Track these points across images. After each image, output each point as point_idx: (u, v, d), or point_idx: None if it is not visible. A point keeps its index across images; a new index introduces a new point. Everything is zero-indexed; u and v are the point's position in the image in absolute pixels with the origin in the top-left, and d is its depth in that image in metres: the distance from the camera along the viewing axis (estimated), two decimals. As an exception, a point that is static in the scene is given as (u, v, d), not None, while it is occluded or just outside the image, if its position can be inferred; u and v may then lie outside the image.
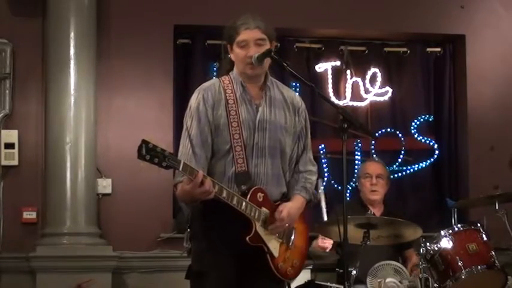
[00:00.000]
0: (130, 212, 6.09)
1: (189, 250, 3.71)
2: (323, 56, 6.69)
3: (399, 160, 6.70)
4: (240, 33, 3.61)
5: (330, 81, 6.64)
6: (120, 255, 5.90)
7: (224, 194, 3.44)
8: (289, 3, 6.44)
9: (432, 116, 6.83)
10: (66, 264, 5.71)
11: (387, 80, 6.78)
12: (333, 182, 6.50)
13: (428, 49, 6.88)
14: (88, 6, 5.99)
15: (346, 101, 6.65)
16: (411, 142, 6.74)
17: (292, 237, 3.70)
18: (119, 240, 5.98)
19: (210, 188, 3.38)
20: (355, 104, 6.69)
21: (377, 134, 6.57)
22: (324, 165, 6.53)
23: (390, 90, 6.75)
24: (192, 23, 6.39)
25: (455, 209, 5.66)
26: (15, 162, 6.02)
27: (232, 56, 3.69)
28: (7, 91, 6.08)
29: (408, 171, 6.74)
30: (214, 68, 6.26)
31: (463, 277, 4.51)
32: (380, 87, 6.73)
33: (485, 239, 4.65)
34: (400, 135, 6.73)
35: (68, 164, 5.81)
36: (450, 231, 4.66)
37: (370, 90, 6.71)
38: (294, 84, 6.39)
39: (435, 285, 4.64)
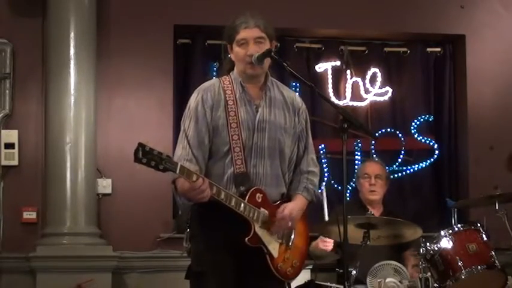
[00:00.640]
0: (130, 212, 6.09)
1: (188, 250, 3.71)
2: (323, 56, 6.69)
3: (399, 160, 6.70)
4: (239, 32, 3.61)
5: (330, 81, 6.64)
6: (120, 255, 5.90)
7: (222, 196, 3.44)
8: (289, 3, 6.44)
9: (432, 116, 6.83)
10: (66, 264, 5.71)
11: (387, 80, 6.78)
12: (333, 182, 6.49)
13: (428, 49, 6.87)
14: (88, 6, 5.99)
15: (346, 101, 6.65)
16: (411, 142, 6.75)
17: (292, 237, 3.70)
18: (119, 240, 5.99)
19: (207, 194, 3.38)
20: (355, 104, 6.69)
21: (377, 134, 6.57)
22: (324, 165, 6.53)
23: (390, 90, 6.75)
24: (192, 23, 6.39)
25: (455, 209, 5.66)
26: (15, 162, 6.02)
27: (232, 55, 3.69)
28: (7, 91, 6.08)
29: (408, 171, 6.74)
30: (214, 68, 6.26)
31: (463, 277, 4.51)
32: (380, 87, 6.73)
33: (485, 239, 4.65)
34: (400, 135, 6.73)
35: (68, 164, 5.81)
36: (450, 231, 4.66)
37: (370, 90, 6.71)
38: (294, 84, 6.39)
39: (435, 285, 4.64)
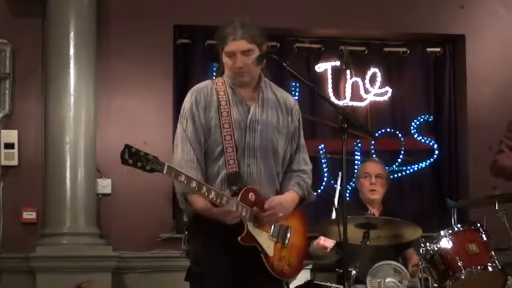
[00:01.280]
0: (130, 212, 6.09)
1: (187, 252, 3.74)
2: (323, 56, 6.69)
3: (399, 160, 6.70)
4: (227, 43, 3.64)
5: (329, 81, 6.64)
6: (120, 255, 5.90)
7: (212, 195, 3.47)
8: (289, 3, 6.44)
9: (432, 116, 6.84)
10: (66, 264, 5.71)
11: (387, 80, 6.78)
12: (332, 182, 6.49)
13: (428, 49, 6.87)
14: (88, 6, 5.99)
15: (346, 101, 6.65)
16: (411, 142, 6.75)
17: (288, 236, 3.71)
18: (119, 240, 5.99)
19: (236, 214, 3.48)
20: (355, 104, 6.69)
21: (377, 134, 6.56)
22: (324, 165, 6.53)
23: (390, 90, 6.75)
24: (192, 23, 6.39)
25: (455, 209, 5.66)
26: (15, 162, 6.02)
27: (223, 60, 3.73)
28: (7, 91, 6.08)
29: (408, 171, 6.74)
30: (214, 68, 6.25)
31: (462, 277, 4.51)
32: (380, 87, 6.73)
33: (485, 239, 4.65)
34: (400, 135, 6.73)
35: (68, 164, 5.81)
36: (450, 232, 4.66)
37: (370, 90, 6.71)
38: (294, 84, 6.40)
39: (435, 285, 4.64)
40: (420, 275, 4.70)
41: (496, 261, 4.57)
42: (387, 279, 4.80)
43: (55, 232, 5.82)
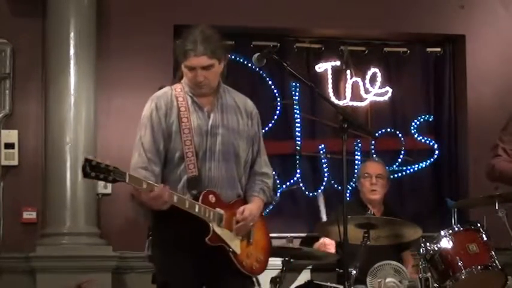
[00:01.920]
0: (130, 212, 6.07)
1: (150, 258, 3.82)
2: (323, 56, 6.68)
3: (399, 160, 6.70)
4: (187, 58, 3.71)
5: (329, 81, 6.63)
6: (120, 255, 5.90)
7: (175, 200, 3.54)
8: (289, 3, 6.44)
9: (432, 116, 6.83)
10: (66, 264, 5.71)
11: (387, 80, 6.77)
12: (333, 182, 6.49)
13: (428, 49, 6.87)
14: (88, 6, 5.99)
15: (346, 101, 6.64)
16: (411, 142, 6.74)
17: (251, 233, 3.80)
18: (119, 240, 5.98)
19: (168, 199, 3.51)
20: (355, 104, 6.69)
21: (377, 134, 6.55)
22: (324, 165, 6.53)
23: (390, 90, 6.74)
24: (192, 23, 6.33)
25: (455, 209, 5.67)
26: (15, 162, 6.01)
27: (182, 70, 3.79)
28: (7, 91, 6.07)
29: (408, 171, 6.73)
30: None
31: (463, 277, 4.51)
32: (380, 87, 6.73)
33: (485, 239, 4.65)
34: (400, 135, 6.73)
35: (68, 164, 5.81)
36: (450, 231, 4.66)
37: (370, 90, 6.70)
38: (294, 84, 6.40)
39: (435, 285, 4.64)
40: (420, 275, 4.71)
41: (496, 261, 4.58)
42: (387, 279, 4.81)
43: (55, 232, 5.82)
